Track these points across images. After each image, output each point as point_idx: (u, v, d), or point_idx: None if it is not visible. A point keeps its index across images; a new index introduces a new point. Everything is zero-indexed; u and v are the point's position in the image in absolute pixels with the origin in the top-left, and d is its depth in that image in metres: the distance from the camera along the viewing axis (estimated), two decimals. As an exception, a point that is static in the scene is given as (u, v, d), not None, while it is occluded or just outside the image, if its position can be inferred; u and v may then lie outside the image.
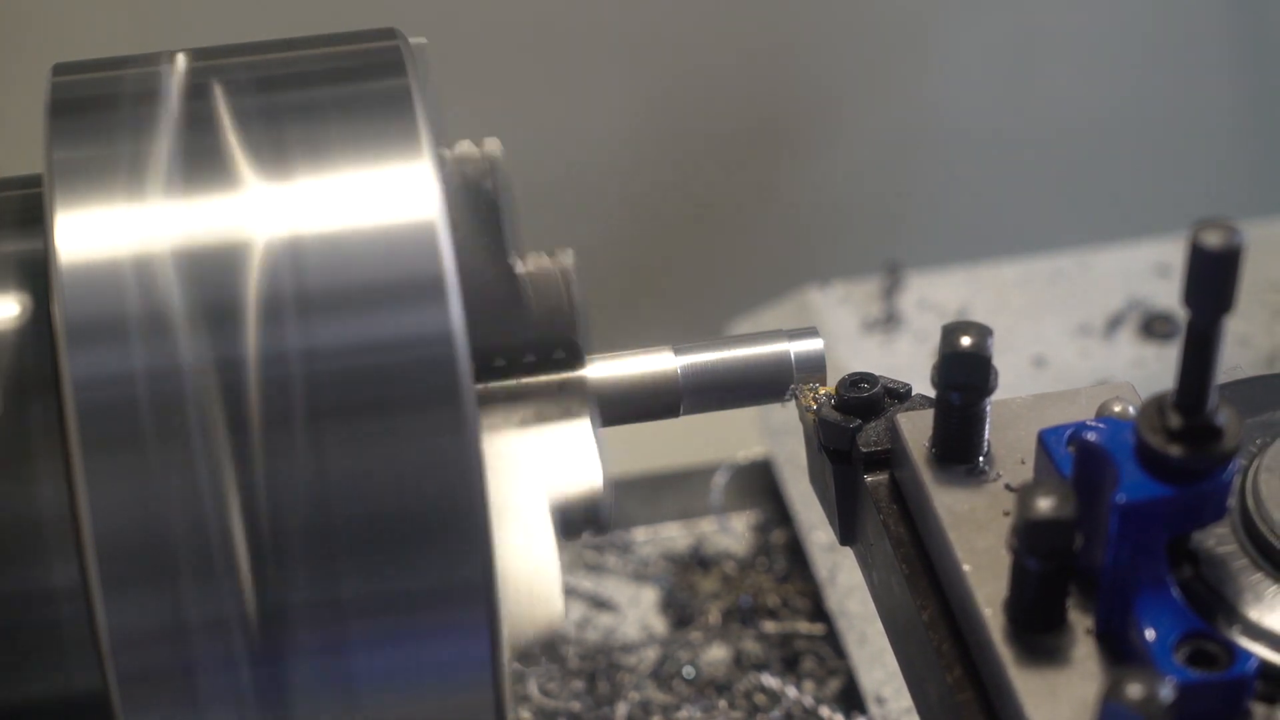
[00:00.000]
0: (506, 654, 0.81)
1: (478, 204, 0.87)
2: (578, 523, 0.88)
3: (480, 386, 0.88)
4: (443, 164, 0.83)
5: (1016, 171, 2.00)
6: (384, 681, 0.80)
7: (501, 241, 0.88)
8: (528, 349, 0.90)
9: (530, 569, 0.84)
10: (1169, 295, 1.48)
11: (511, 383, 0.90)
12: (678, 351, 0.94)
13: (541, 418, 0.90)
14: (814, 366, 0.94)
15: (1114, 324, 1.48)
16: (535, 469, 0.87)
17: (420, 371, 0.78)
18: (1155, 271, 1.51)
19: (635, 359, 0.93)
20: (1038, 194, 2.00)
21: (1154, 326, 1.48)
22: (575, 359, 0.91)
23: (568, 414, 0.90)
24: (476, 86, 1.86)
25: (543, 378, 0.91)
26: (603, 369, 0.92)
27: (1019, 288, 1.52)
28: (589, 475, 0.88)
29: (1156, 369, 1.44)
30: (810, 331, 0.95)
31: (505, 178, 0.88)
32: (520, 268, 0.88)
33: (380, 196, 0.79)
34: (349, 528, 0.78)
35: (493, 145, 0.89)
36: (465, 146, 0.89)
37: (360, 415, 0.77)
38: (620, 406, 0.93)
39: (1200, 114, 2.00)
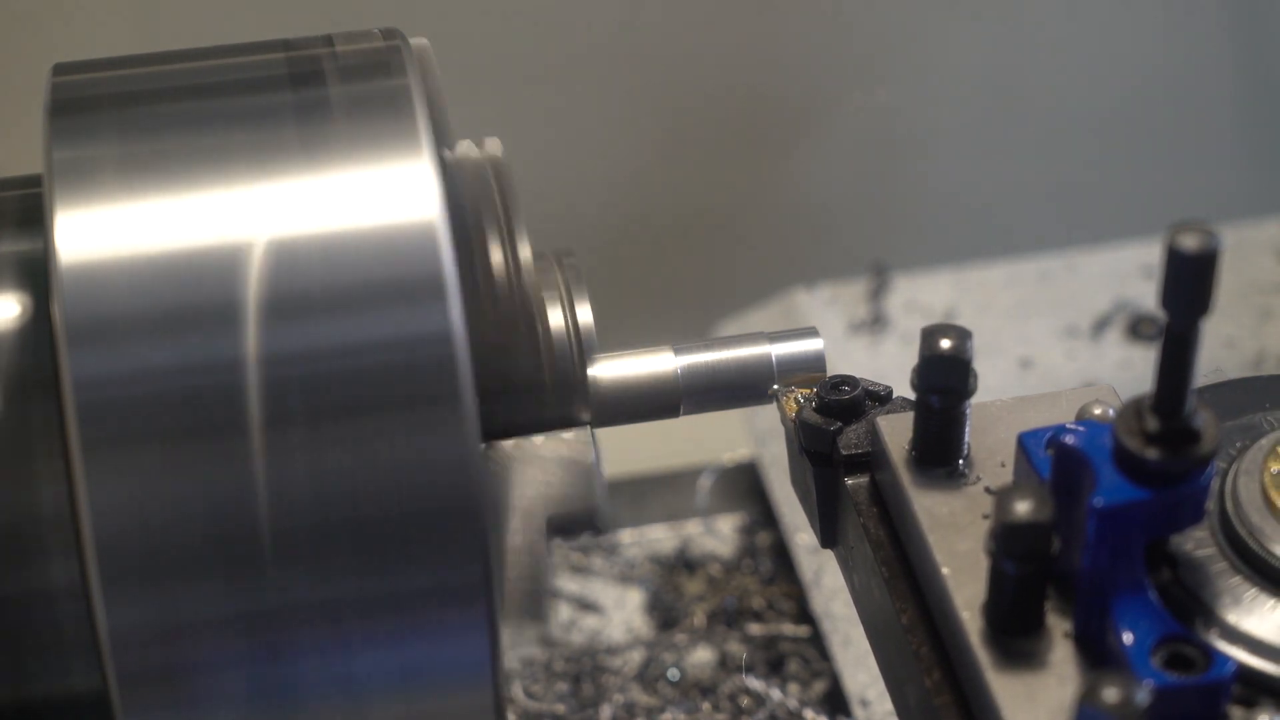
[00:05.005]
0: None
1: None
2: (574, 524, 0.88)
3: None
4: (445, 165, 0.83)
5: (1003, 173, 1.99)
6: (384, 682, 0.80)
7: (535, 338, 0.87)
8: (539, 429, 0.90)
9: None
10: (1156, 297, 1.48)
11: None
12: (678, 351, 0.94)
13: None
14: (814, 367, 0.94)
15: (1101, 325, 1.48)
16: (533, 472, 0.87)
17: (420, 371, 0.78)
18: (1142, 273, 1.51)
19: (636, 359, 0.94)
20: (1024, 196, 2.00)
21: (1141, 328, 1.48)
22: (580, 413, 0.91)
23: (568, 421, 0.90)
24: (469, 89, 1.86)
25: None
26: (603, 369, 0.92)
27: (1006, 289, 1.52)
28: (585, 482, 0.88)
29: (1143, 370, 1.44)
30: (810, 332, 0.95)
31: (509, 177, 0.88)
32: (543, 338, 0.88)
33: (380, 196, 0.79)
34: (348, 528, 0.78)
35: (493, 145, 0.89)
36: (465, 146, 0.89)
37: (360, 415, 0.78)
38: (620, 406, 0.93)
39: (1187, 116, 2.00)
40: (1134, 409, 0.78)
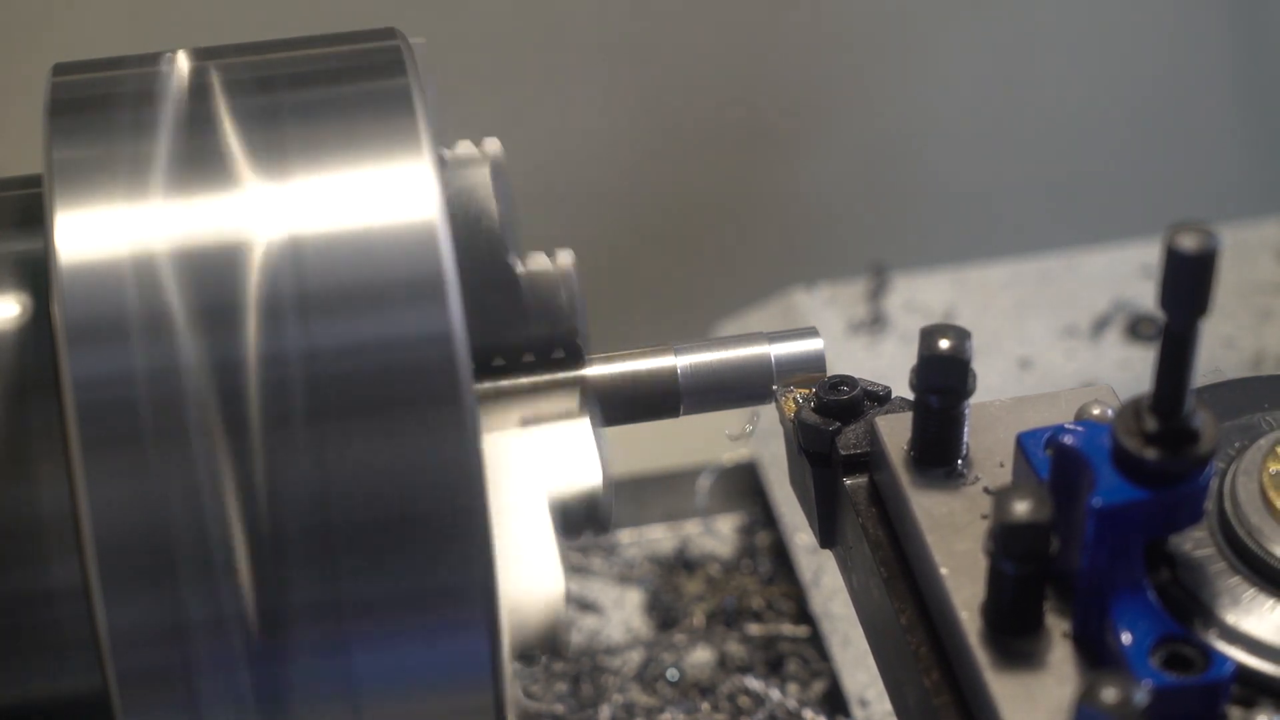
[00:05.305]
0: (507, 654, 0.82)
1: (476, 204, 0.88)
2: (578, 522, 0.88)
3: (479, 386, 0.88)
4: (443, 164, 0.83)
5: (1003, 173, 1.99)
6: (384, 682, 0.80)
7: (500, 241, 0.88)
8: (527, 349, 0.90)
9: (531, 568, 0.84)
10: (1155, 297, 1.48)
11: (510, 382, 0.91)
12: (678, 351, 0.94)
13: (541, 417, 0.90)
14: (814, 367, 0.94)
15: (1100, 326, 1.48)
16: (535, 469, 0.87)
17: (420, 371, 0.78)
18: (1141, 273, 1.51)
19: (636, 359, 0.94)
20: (1024, 196, 2.00)
21: (1140, 328, 1.48)
22: (575, 359, 0.91)
23: (567, 414, 0.90)
24: (467, 88, 1.86)
25: (542, 376, 0.91)
26: (603, 369, 0.93)
27: (1005, 289, 1.52)
28: (589, 474, 0.88)
29: (1142, 370, 1.44)
30: (810, 331, 0.95)
31: (506, 177, 0.89)
32: (520, 267, 0.89)
33: (380, 196, 0.80)
34: (348, 528, 0.78)
35: (493, 145, 0.89)
36: (464, 146, 0.89)
37: (360, 416, 0.78)
38: (620, 406, 0.93)
39: (1187, 116, 2.00)
40: (1133, 409, 0.78)
